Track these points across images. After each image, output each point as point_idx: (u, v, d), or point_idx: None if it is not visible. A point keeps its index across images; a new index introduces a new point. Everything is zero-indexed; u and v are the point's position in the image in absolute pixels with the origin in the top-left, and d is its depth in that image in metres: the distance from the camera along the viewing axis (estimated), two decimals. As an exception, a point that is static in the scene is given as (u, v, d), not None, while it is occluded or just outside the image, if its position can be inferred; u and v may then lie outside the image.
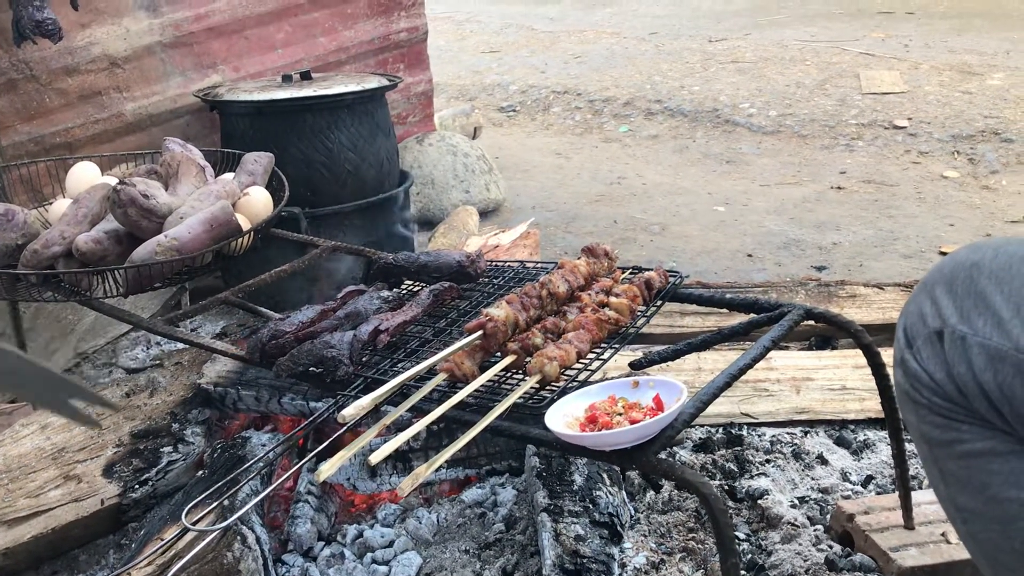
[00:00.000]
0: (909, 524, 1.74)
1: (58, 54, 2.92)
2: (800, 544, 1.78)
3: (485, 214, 4.37)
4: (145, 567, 1.53)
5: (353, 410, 1.28)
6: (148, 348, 2.90)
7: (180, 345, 2.49)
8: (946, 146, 5.16)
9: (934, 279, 1.10)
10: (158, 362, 2.47)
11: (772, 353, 2.44)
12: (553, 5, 10.61)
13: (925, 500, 1.79)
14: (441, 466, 2.03)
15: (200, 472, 1.95)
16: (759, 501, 1.92)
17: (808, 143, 5.48)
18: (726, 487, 2.00)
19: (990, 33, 7.24)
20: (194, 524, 1.53)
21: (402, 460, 2.06)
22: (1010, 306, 0.99)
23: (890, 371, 1.56)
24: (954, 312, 1.04)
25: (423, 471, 1.21)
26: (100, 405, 1.07)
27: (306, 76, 3.14)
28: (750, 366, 1.45)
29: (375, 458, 1.23)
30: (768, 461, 2.09)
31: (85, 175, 2.33)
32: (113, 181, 2.18)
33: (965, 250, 1.09)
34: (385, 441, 1.40)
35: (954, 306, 1.04)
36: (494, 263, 2.03)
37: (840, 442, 2.18)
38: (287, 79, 3.12)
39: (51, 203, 2.31)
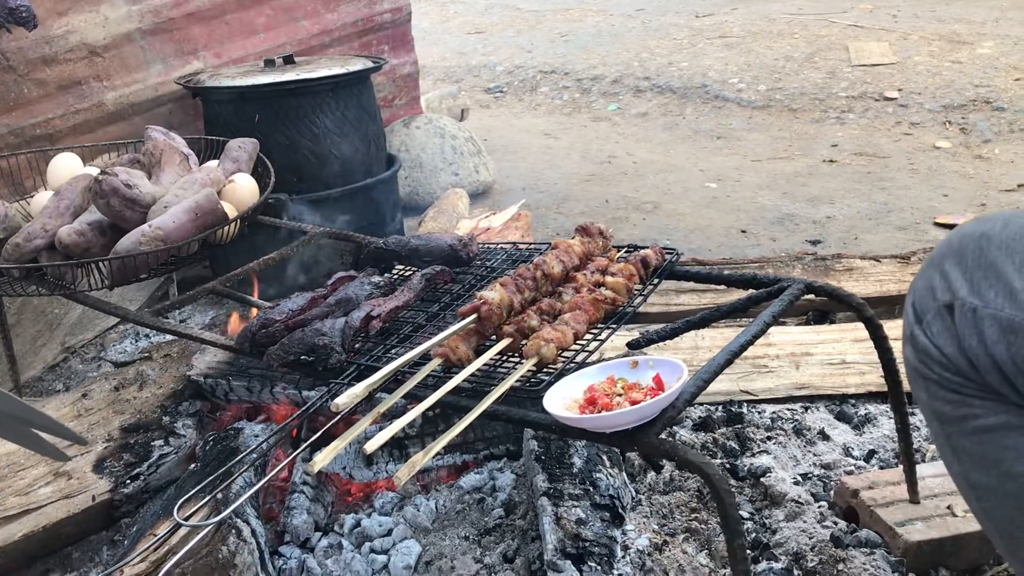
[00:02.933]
0: (914, 498, 1.71)
1: (35, 43, 2.86)
2: (805, 521, 1.76)
3: (475, 196, 4.33)
4: (138, 563, 1.50)
5: (346, 398, 1.24)
6: (137, 341, 2.86)
7: (169, 337, 2.45)
8: (937, 116, 5.13)
9: (943, 252, 1.07)
10: (147, 355, 2.43)
11: (770, 329, 2.43)
12: (538, -16, 10.51)
13: (930, 473, 1.77)
14: (439, 453, 2.01)
15: (193, 465, 1.91)
16: (761, 479, 1.90)
17: (799, 117, 5.44)
18: (728, 466, 1.97)
19: (979, 1, 7.20)
20: (187, 519, 1.50)
21: (398, 447, 2.03)
22: (1023, 276, 0.96)
23: (893, 344, 1.53)
24: (964, 284, 1.01)
25: (419, 459, 1.18)
26: (67, 438, 1.03)
27: (289, 60, 3.08)
28: (751, 342, 1.42)
29: (370, 447, 1.19)
30: (769, 438, 2.07)
31: (67, 166, 2.29)
32: (95, 172, 2.14)
33: (973, 222, 1.06)
34: (380, 429, 1.37)
35: (964, 278, 1.01)
36: (486, 245, 1.99)
37: (841, 417, 2.15)
38: (270, 64, 3.06)
39: (32, 196, 2.27)
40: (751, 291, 1.63)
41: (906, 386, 1.26)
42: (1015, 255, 0.97)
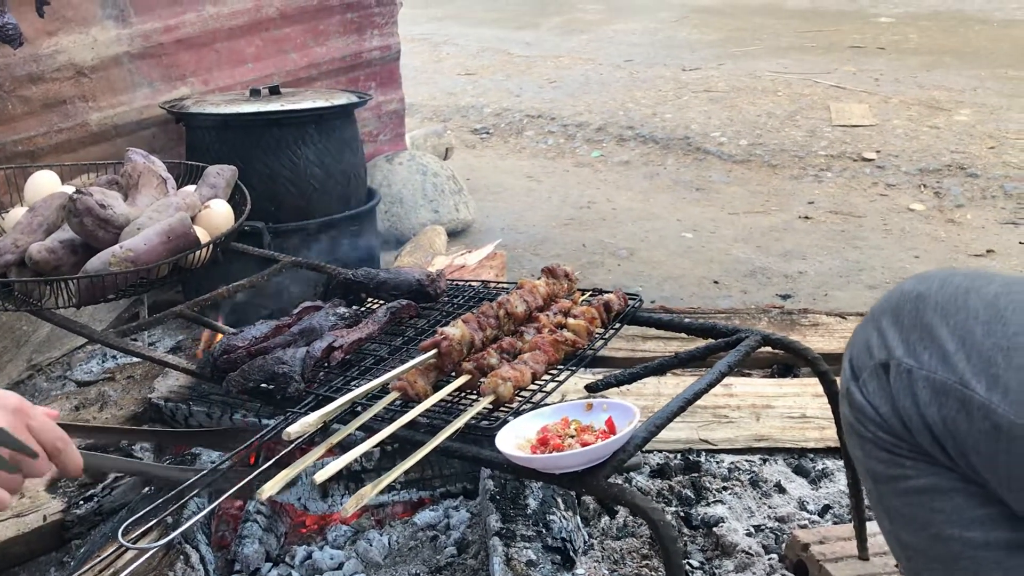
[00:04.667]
0: (864, 555, 1.73)
1: (23, 61, 2.89)
2: (754, 573, 1.77)
3: (454, 234, 4.36)
4: (82, 585, 1.49)
5: (299, 427, 1.25)
6: (104, 361, 2.84)
7: (135, 359, 2.45)
8: (913, 179, 5.22)
9: (881, 309, 1.08)
10: (110, 375, 2.42)
11: (733, 380, 2.46)
12: (530, 30, 10.67)
13: (880, 530, 1.78)
14: (395, 487, 2.01)
15: (147, 489, 1.91)
16: (714, 529, 1.91)
17: (777, 173, 5.52)
18: (682, 514, 1.98)
19: (958, 70, 7.37)
20: (134, 542, 1.49)
21: (355, 480, 2.03)
22: (955, 339, 0.97)
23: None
24: (900, 344, 1.03)
25: (368, 491, 1.18)
26: (16, 449, 1.03)
27: (275, 91, 3.12)
28: (705, 391, 1.44)
29: (320, 476, 1.20)
30: (725, 488, 2.08)
31: (45, 184, 2.29)
32: (71, 190, 2.15)
33: (911, 280, 1.07)
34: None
35: (900, 338, 1.03)
36: (455, 282, 2.01)
37: (799, 471, 2.17)
38: (255, 93, 3.09)
39: (8, 211, 2.27)
40: (710, 340, 1.66)
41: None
42: (949, 317, 0.99)
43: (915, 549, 1.06)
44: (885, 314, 1.06)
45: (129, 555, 1.51)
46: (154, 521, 1.34)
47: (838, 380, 1.61)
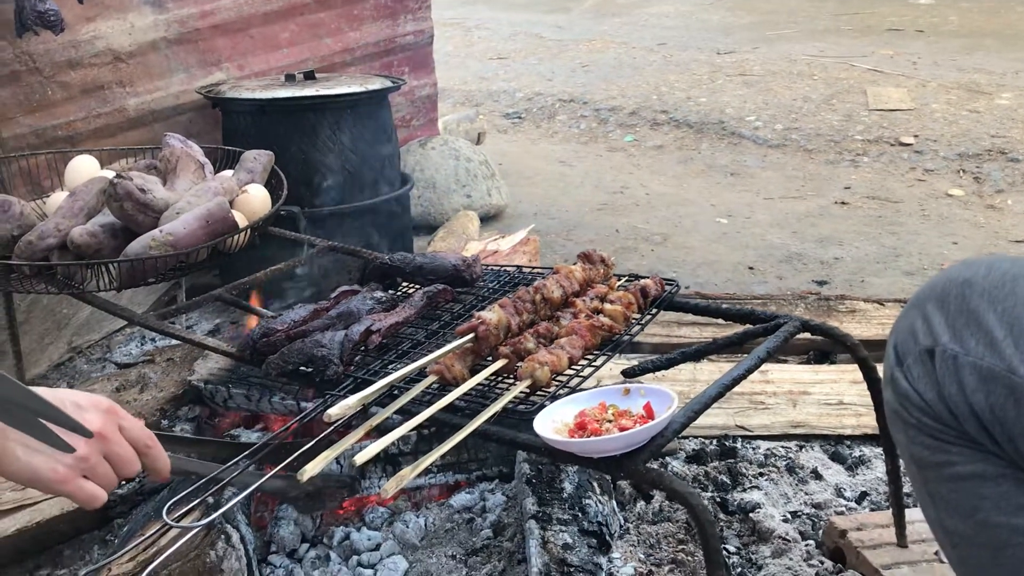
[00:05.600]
0: (902, 542, 1.71)
1: (62, 47, 2.92)
2: (791, 559, 1.76)
3: (486, 219, 4.36)
4: (126, 563, 1.52)
5: (339, 410, 1.26)
6: (142, 344, 2.88)
7: (174, 342, 2.48)
8: (952, 164, 5.14)
9: (926, 295, 1.07)
10: (150, 358, 2.45)
11: (769, 366, 2.45)
12: (562, 14, 10.62)
13: (919, 518, 1.74)
14: (432, 471, 2.02)
15: (188, 470, 1.93)
16: (751, 514, 1.90)
17: (813, 158, 5.46)
18: (718, 499, 1.98)
19: (1000, 53, 7.23)
20: (177, 521, 1.51)
21: (393, 464, 2.04)
22: (1003, 325, 0.96)
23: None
24: (946, 330, 1.01)
25: (407, 473, 1.19)
26: (71, 429, 1.06)
27: (310, 76, 3.13)
28: (743, 377, 1.44)
29: (360, 459, 1.21)
30: (762, 474, 2.07)
31: (84, 168, 2.32)
32: (111, 175, 2.17)
33: (958, 266, 1.06)
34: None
35: (946, 324, 1.02)
36: (491, 267, 2.01)
37: (835, 457, 2.15)
38: (290, 78, 3.11)
39: (49, 196, 2.30)
40: (747, 326, 1.65)
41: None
42: (996, 303, 0.98)
43: (960, 536, 1.05)
44: (930, 300, 1.05)
45: (171, 534, 1.53)
46: (196, 501, 1.36)
47: (877, 367, 1.60)
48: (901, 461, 1.76)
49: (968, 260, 1.06)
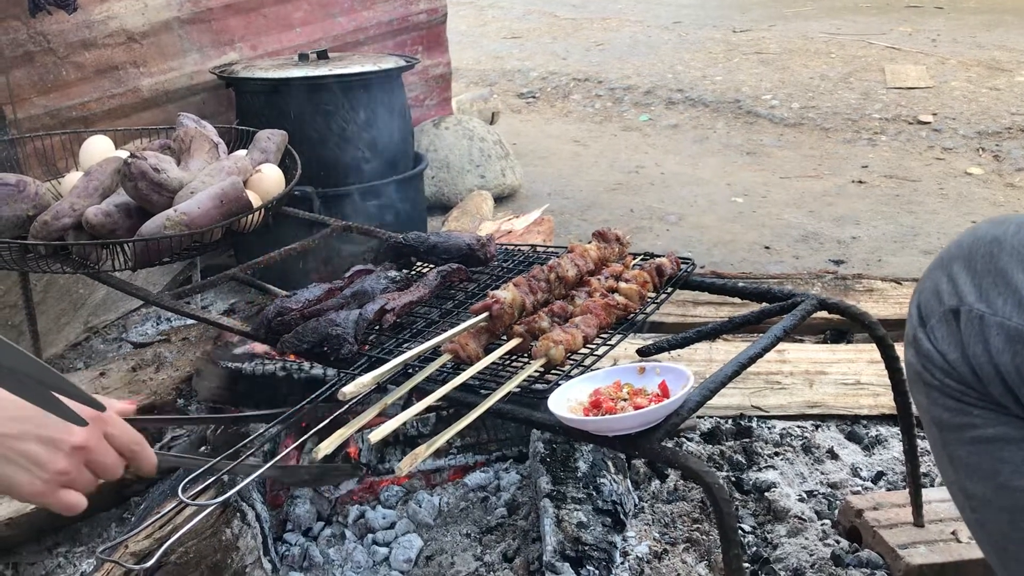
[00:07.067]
0: (919, 521, 1.71)
1: (75, 27, 2.92)
2: (807, 538, 1.76)
3: (500, 199, 4.35)
4: (143, 540, 1.53)
5: (354, 387, 1.26)
6: (158, 324, 2.90)
7: (189, 321, 2.49)
8: (971, 143, 5.08)
9: (952, 254, 1.04)
10: (165, 337, 2.46)
11: (786, 346, 2.43)
12: (577, -8, 10.54)
13: (936, 498, 1.75)
14: (452, 452, 2.02)
15: (203, 448, 1.94)
16: (766, 494, 1.90)
17: (830, 136, 5.41)
18: (733, 478, 1.97)
19: (1020, 29, 7.13)
20: (193, 498, 1.52)
21: (410, 444, 2.04)
22: None
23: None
24: (972, 290, 0.99)
25: (422, 451, 1.19)
26: (86, 403, 1.06)
27: (323, 55, 3.12)
28: (760, 355, 1.42)
29: (376, 436, 1.21)
30: (777, 454, 2.06)
31: (99, 149, 2.32)
32: (126, 155, 2.17)
33: (986, 224, 1.03)
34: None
35: (972, 284, 0.99)
36: (505, 247, 2.01)
37: (852, 437, 2.14)
38: (304, 58, 3.10)
39: (64, 176, 2.31)
40: (764, 304, 1.63)
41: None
42: None
43: (980, 499, 1.03)
44: (956, 259, 1.03)
45: (188, 512, 1.54)
46: (212, 479, 1.36)
47: (896, 346, 1.59)
48: (920, 440, 1.75)
49: (996, 218, 1.03)
